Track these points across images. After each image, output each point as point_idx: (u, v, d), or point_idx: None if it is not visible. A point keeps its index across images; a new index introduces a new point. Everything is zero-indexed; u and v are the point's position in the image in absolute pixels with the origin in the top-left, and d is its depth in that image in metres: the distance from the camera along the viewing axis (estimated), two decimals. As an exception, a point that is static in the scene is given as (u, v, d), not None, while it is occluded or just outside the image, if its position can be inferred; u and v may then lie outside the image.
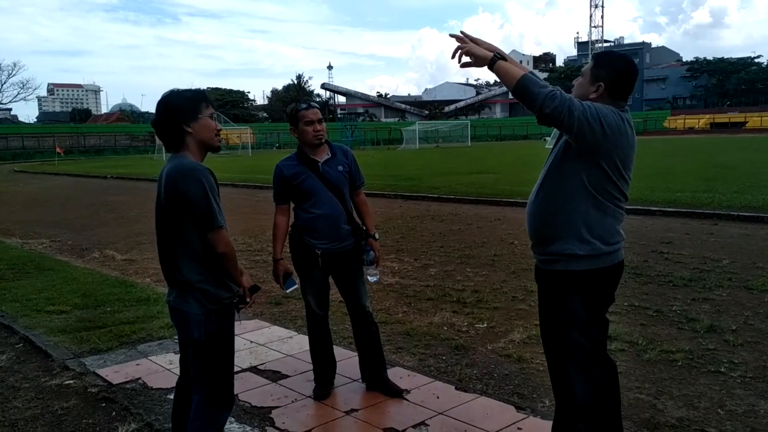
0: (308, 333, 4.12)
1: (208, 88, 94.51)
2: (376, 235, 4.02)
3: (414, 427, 3.55)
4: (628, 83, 2.80)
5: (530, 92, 2.53)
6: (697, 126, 76.68)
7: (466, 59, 2.72)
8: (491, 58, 2.63)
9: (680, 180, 16.99)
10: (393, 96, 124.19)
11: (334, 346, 4.23)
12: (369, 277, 4.02)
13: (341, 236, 3.84)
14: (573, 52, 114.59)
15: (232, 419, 3.69)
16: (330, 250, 3.84)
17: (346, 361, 4.41)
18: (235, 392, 4.00)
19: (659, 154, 31.69)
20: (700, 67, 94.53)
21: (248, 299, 2.88)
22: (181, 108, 2.66)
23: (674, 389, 4.07)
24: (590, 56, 2.93)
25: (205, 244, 2.61)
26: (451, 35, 2.73)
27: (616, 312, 5.53)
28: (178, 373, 3.03)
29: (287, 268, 3.86)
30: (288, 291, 3.92)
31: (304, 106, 3.86)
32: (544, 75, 79.83)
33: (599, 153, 2.65)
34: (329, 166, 3.85)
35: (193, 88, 2.79)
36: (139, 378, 4.37)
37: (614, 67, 2.78)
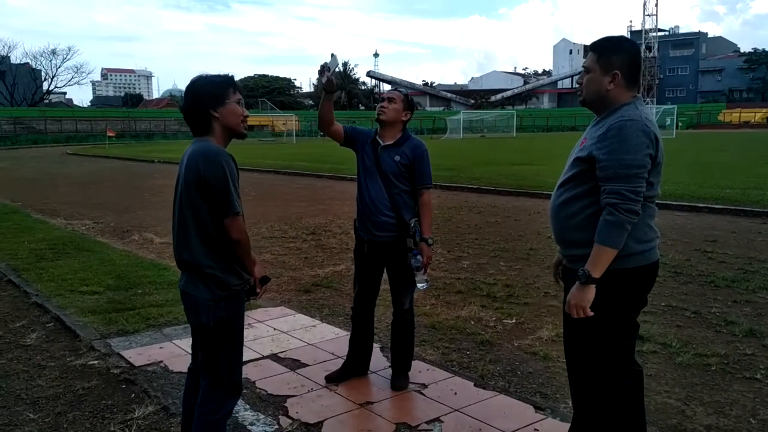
0: (351, 320, 4.12)
1: (255, 74, 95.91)
2: (430, 240, 3.79)
3: (428, 422, 3.48)
4: (640, 65, 2.66)
5: (615, 233, 2.49)
6: (753, 120, 73.82)
7: (582, 313, 2.59)
8: (591, 281, 2.52)
9: (730, 176, 16.37)
10: (438, 84, 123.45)
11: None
12: (418, 284, 3.79)
13: (381, 225, 3.76)
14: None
15: (247, 406, 3.69)
16: (374, 238, 3.79)
17: (367, 352, 4.35)
18: (253, 379, 4.06)
19: (710, 148, 30.69)
20: (758, 58, 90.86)
21: (258, 290, 2.85)
22: (209, 93, 2.66)
23: (705, 395, 3.90)
24: (590, 47, 2.75)
25: (219, 230, 2.60)
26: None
27: (652, 312, 5.34)
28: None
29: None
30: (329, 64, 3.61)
31: (338, 71, 3.83)
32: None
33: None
34: (387, 151, 3.79)
35: (222, 73, 2.76)
36: (161, 361, 4.41)
37: (625, 49, 2.62)
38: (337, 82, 3.59)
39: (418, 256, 3.73)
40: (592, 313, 2.55)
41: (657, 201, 2.69)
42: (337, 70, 3.61)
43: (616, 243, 2.49)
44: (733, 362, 4.39)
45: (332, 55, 3.55)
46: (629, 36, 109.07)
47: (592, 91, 2.66)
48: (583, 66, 2.77)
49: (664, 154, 2.60)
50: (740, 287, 6.30)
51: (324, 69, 3.52)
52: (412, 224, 3.76)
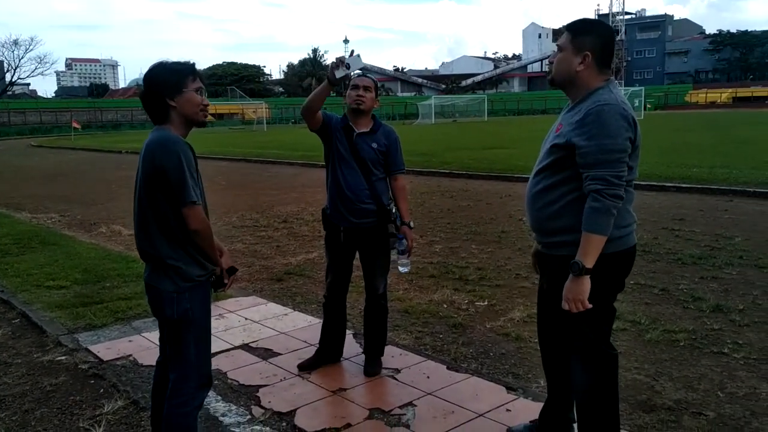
0: (323, 309, 4.08)
1: (223, 62, 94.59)
2: (411, 224, 3.87)
3: (401, 407, 3.48)
4: (612, 48, 2.63)
5: (602, 220, 2.46)
6: (719, 100, 75.13)
7: (581, 306, 2.54)
8: (583, 276, 2.49)
9: (697, 155, 16.65)
10: (410, 70, 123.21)
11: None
12: (400, 267, 3.87)
13: (360, 212, 3.74)
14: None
15: (219, 397, 3.65)
16: (351, 225, 3.76)
17: (339, 339, 4.34)
18: (224, 370, 4.02)
19: (678, 129, 31.17)
20: (723, 40, 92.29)
21: (226, 281, 2.80)
22: (166, 81, 2.57)
23: (674, 370, 3.96)
24: (565, 27, 2.73)
25: (180, 221, 2.53)
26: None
27: (620, 290, 5.40)
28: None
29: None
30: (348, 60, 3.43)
31: (358, 73, 3.76)
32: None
33: None
34: (363, 139, 3.76)
35: (183, 60, 2.68)
36: (131, 355, 4.34)
37: (599, 32, 2.60)
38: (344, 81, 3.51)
39: (404, 240, 3.79)
40: (590, 305, 2.52)
41: None
42: (355, 73, 3.52)
43: (605, 229, 2.47)
44: (701, 337, 4.47)
45: (357, 55, 3.44)
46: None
47: (561, 70, 2.64)
48: (556, 44, 2.73)
49: (641, 136, 2.60)
50: (707, 264, 6.41)
51: (340, 63, 3.39)
52: (393, 209, 3.81)
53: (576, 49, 2.58)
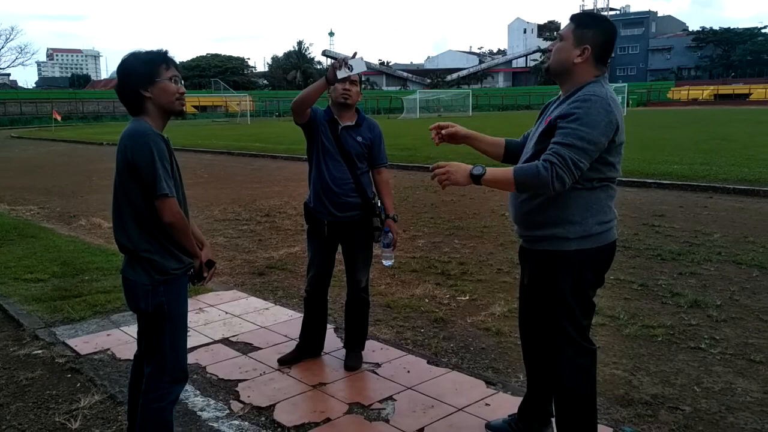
0: (304, 303, 4.06)
1: (207, 54, 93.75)
2: (396, 217, 3.89)
3: (380, 401, 3.48)
4: (612, 46, 2.63)
5: (533, 183, 2.45)
6: (701, 97, 75.79)
7: (444, 182, 2.56)
8: (472, 175, 2.49)
9: (678, 152, 16.80)
10: (395, 64, 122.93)
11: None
12: (384, 261, 3.87)
13: (346, 206, 3.74)
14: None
15: (197, 392, 3.63)
16: (335, 219, 3.75)
17: (320, 333, 4.32)
18: (203, 364, 3.99)
19: (660, 125, 31.42)
20: (705, 37, 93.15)
21: (205, 274, 2.78)
22: (138, 72, 2.54)
23: (652, 365, 4.00)
24: (570, 18, 2.72)
25: (154, 213, 2.51)
26: (433, 174, 2.57)
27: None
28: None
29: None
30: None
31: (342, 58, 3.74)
32: (548, 44, 78.65)
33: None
34: (348, 132, 3.75)
35: (155, 49, 2.64)
36: (108, 349, 4.29)
37: (602, 28, 2.59)
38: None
39: (389, 234, 3.80)
40: (449, 184, 2.53)
41: None
42: (355, 75, 3.50)
43: (521, 187, 2.50)
44: (679, 333, 4.51)
45: (360, 57, 3.43)
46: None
47: (559, 59, 2.62)
48: (557, 32, 2.72)
49: (624, 133, 2.59)
50: (686, 260, 6.48)
51: (343, 63, 3.37)
52: (378, 203, 3.82)
53: (577, 40, 2.57)
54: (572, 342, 2.68)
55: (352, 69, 3.37)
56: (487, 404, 3.43)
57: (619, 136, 2.55)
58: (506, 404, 3.39)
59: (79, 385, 3.80)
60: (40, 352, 4.30)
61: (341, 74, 3.37)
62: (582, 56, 2.56)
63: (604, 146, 2.49)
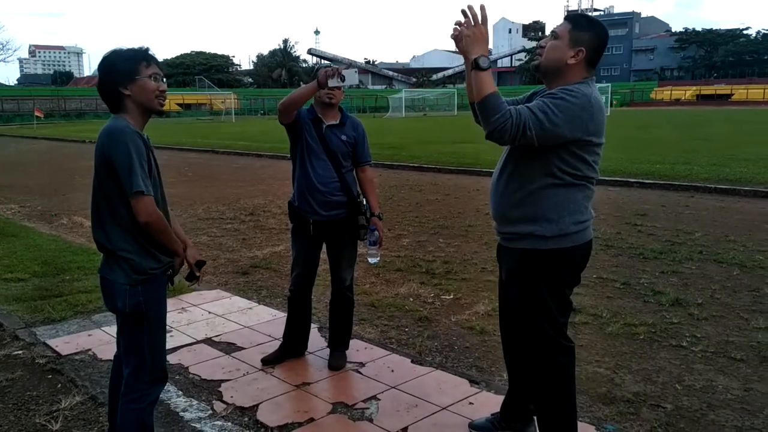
0: (288, 303, 4.05)
1: (192, 51, 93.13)
2: (381, 215, 3.90)
3: (364, 401, 3.48)
4: (603, 52, 2.65)
5: (490, 111, 2.41)
6: (683, 98, 76.58)
7: (457, 35, 2.50)
8: (475, 58, 2.45)
9: (660, 152, 16.95)
10: (380, 63, 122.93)
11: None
12: (370, 259, 3.90)
13: (332, 204, 3.73)
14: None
15: (179, 392, 3.61)
16: (321, 218, 3.74)
17: (304, 332, 4.31)
18: (186, 365, 3.97)
19: (643, 125, 31.70)
20: (688, 38, 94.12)
21: (198, 274, 2.76)
22: (118, 69, 2.52)
23: (634, 363, 4.03)
24: (565, 17, 2.72)
25: (131, 212, 2.48)
26: (465, 10, 2.48)
27: (583, 284, 5.44)
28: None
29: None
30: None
31: (326, 64, 3.77)
32: (533, 44, 79.09)
33: (568, 141, 2.50)
34: (332, 131, 3.75)
35: (136, 47, 2.61)
36: (90, 349, 4.25)
37: (598, 32, 2.61)
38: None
39: (375, 232, 3.82)
40: (457, 40, 2.48)
41: None
42: (348, 84, 3.54)
43: (481, 105, 2.44)
44: (660, 331, 4.55)
45: (355, 70, 3.52)
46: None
47: (553, 58, 2.61)
48: (552, 30, 2.70)
49: (602, 133, 2.59)
50: (667, 258, 6.53)
51: (336, 72, 3.43)
52: (364, 202, 3.82)
53: (573, 41, 2.57)
54: (550, 340, 2.70)
55: (344, 80, 3.45)
56: (470, 403, 3.44)
57: (597, 137, 2.56)
58: (490, 403, 3.39)
59: (59, 386, 3.76)
60: (20, 352, 4.25)
61: (332, 83, 3.44)
62: (576, 58, 2.57)
63: (563, 137, 2.47)
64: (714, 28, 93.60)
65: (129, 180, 2.40)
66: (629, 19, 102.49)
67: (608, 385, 3.72)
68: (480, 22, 2.48)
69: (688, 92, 78.94)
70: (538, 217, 2.60)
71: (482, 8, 2.49)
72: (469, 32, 2.48)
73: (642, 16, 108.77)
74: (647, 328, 4.60)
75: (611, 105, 55.34)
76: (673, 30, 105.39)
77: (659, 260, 6.49)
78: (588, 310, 4.91)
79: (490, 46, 2.82)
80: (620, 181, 11.95)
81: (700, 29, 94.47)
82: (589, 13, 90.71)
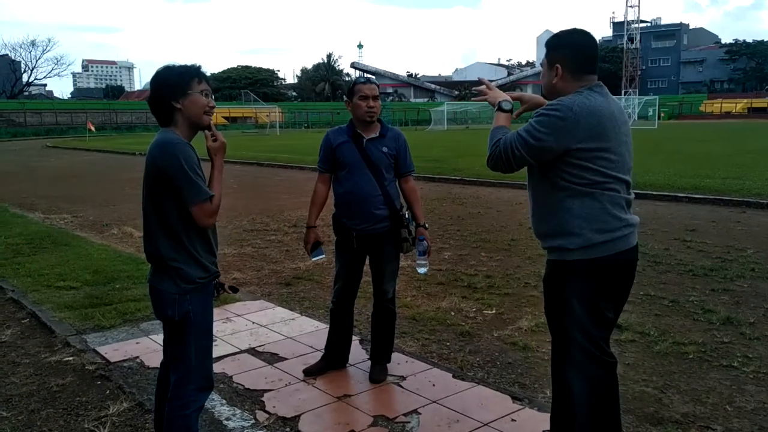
0: (330, 315, 4.08)
1: (238, 65, 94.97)
2: (426, 225, 3.93)
3: (405, 415, 3.47)
4: (588, 55, 2.67)
5: (488, 145, 2.73)
6: (734, 110, 74.50)
7: (483, 98, 3.01)
8: (499, 102, 2.86)
9: (710, 166, 16.51)
10: (423, 76, 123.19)
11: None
12: (418, 269, 3.94)
13: (375, 217, 3.76)
14: (608, 32, 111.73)
15: (223, 401, 3.66)
16: (364, 231, 3.77)
17: (345, 345, 4.33)
18: (230, 374, 4.02)
19: (691, 139, 30.95)
20: (738, 49, 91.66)
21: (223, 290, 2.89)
22: (171, 84, 2.61)
23: (682, 383, 3.92)
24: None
25: (183, 222, 2.55)
26: (475, 89, 3.08)
27: (630, 301, 5.31)
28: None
29: (318, 237, 3.90)
30: (313, 260, 3.99)
31: (362, 80, 3.84)
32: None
33: (564, 152, 2.54)
34: (374, 144, 3.79)
35: (188, 63, 2.71)
36: (137, 357, 4.36)
37: (567, 43, 2.68)
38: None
39: (424, 242, 3.85)
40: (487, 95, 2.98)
41: (636, 191, 2.71)
42: (376, 90, 3.79)
43: (490, 136, 2.76)
44: (711, 350, 4.42)
45: (322, 250, 3.97)
46: (611, 27, 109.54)
47: (544, 85, 2.78)
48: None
49: (604, 137, 2.55)
50: (718, 276, 6.35)
51: (311, 249, 3.91)
52: (407, 214, 3.85)
53: (549, 63, 2.70)
54: (587, 354, 2.65)
55: (311, 255, 3.96)
56: (513, 420, 3.39)
57: (594, 143, 2.52)
58: (532, 420, 3.35)
59: (108, 392, 3.86)
60: (71, 358, 4.38)
61: (307, 252, 3.97)
62: (557, 76, 2.67)
63: (554, 150, 2.54)
64: (765, 40, 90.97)
65: (193, 189, 2.50)
66: (677, 30, 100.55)
67: (656, 405, 3.63)
68: (491, 87, 3.03)
69: (738, 105, 76.77)
70: (562, 231, 2.64)
71: (486, 81, 3.11)
72: (488, 92, 2.98)
73: (690, 27, 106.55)
74: (697, 347, 4.47)
75: (659, 118, 54.26)
76: (722, 42, 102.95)
77: (709, 277, 6.32)
78: (635, 328, 4.81)
79: (534, 58, 3.12)
80: (669, 195, 11.68)
81: (750, 41, 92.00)
82: (635, 25, 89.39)
